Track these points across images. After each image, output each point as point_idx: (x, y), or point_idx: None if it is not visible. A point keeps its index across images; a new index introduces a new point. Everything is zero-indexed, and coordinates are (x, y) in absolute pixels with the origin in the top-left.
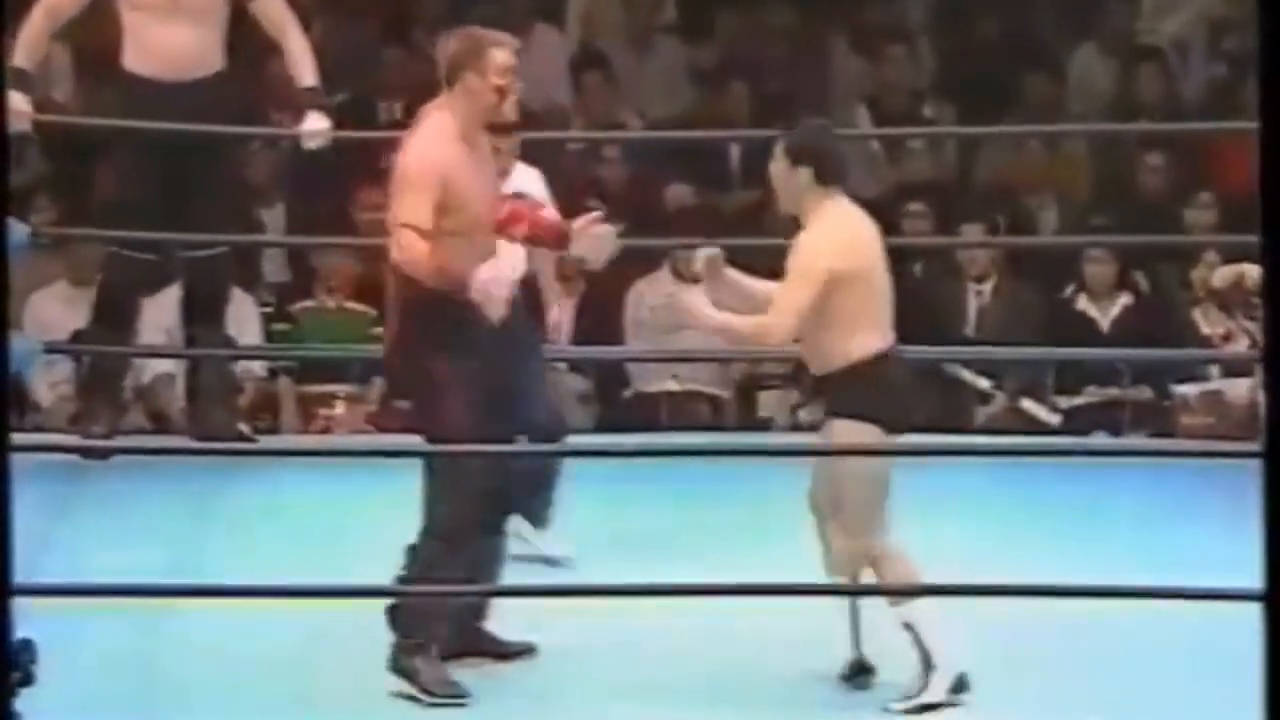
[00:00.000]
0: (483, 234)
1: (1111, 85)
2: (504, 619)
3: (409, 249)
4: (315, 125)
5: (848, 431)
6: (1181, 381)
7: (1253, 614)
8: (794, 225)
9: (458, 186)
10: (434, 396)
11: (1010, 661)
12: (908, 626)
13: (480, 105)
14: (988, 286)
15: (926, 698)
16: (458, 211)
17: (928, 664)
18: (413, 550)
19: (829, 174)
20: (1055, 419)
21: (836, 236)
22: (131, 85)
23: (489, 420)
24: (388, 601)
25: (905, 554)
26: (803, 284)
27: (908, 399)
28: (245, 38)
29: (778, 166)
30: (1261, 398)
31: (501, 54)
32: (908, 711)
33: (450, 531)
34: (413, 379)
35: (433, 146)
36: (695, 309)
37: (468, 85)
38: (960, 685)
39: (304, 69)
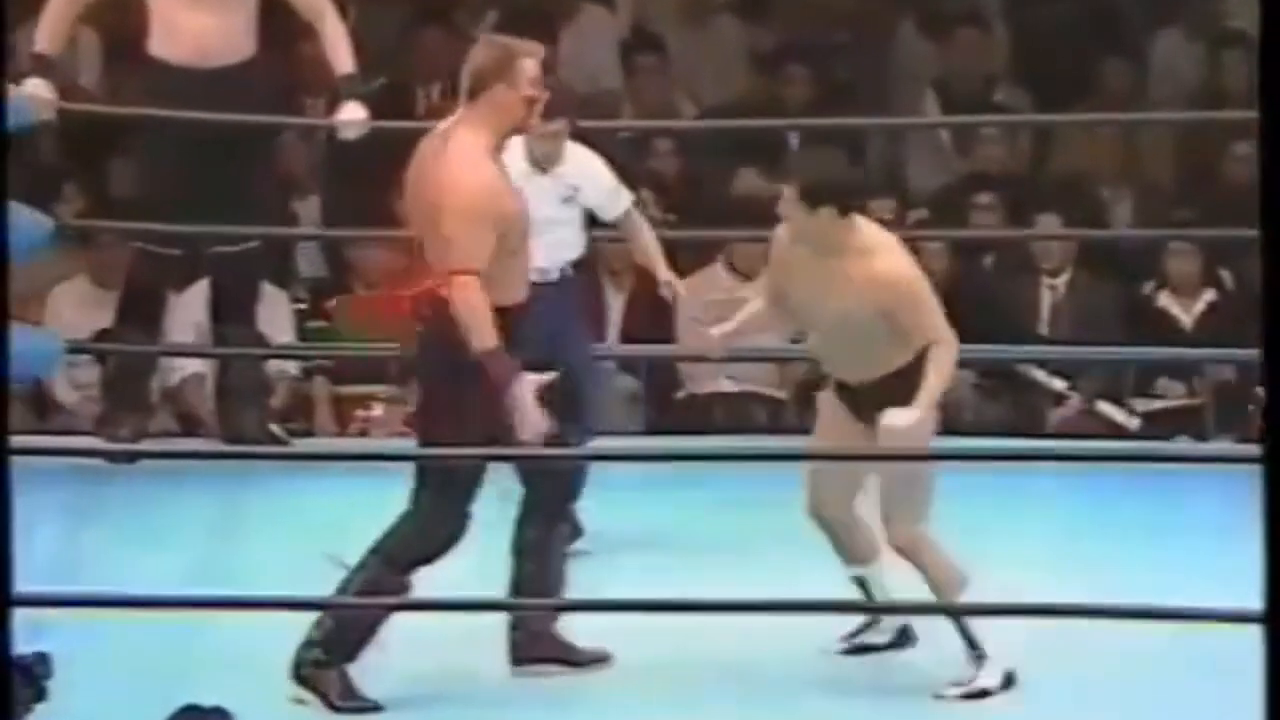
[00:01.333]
0: (525, 245)
1: (1196, 71)
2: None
3: (472, 305)
4: (352, 114)
5: (905, 417)
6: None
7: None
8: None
9: (505, 207)
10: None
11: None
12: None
13: (510, 118)
14: (1062, 281)
15: (982, 683)
16: (508, 233)
17: (977, 654)
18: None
19: (853, 206)
20: (1134, 422)
21: (901, 252)
22: (158, 72)
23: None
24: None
25: (942, 544)
26: (928, 302)
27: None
28: (278, 22)
29: (793, 209)
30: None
31: (531, 64)
32: (965, 696)
33: (408, 561)
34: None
35: (476, 171)
36: (896, 422)
37: (497, 98)
38: (1010, 680)
39: (340, 55)
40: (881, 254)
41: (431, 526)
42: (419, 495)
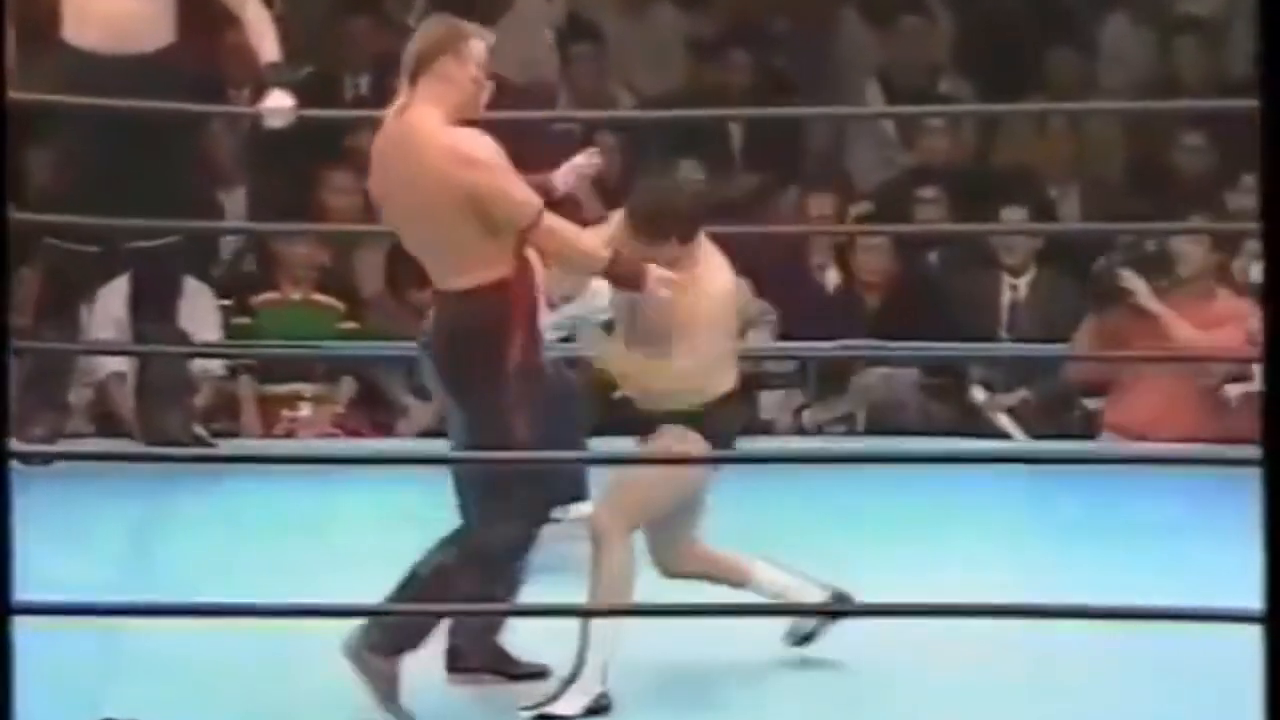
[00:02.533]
0: None
1: (1146, 59)
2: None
3: (564, 239)
4: (278, 103)
5: (681, 442)
6: (1229, 381)
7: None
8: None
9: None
10: (496, 416)
11: (1006, 678)
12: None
13: (459, 95)
14: (1024, 281)
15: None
16: None
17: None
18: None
19: (694, 232)
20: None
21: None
22: (71, 58)
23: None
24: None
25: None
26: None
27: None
28: (199, 7)
29: (629, 240)
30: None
31: (479, 46)
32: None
33: (488, 556)
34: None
35: (465, 135)
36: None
37: (445, 71)
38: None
39: (265, 42)
40: (714, 274)
41: (506, 512)
42: (476, 498)
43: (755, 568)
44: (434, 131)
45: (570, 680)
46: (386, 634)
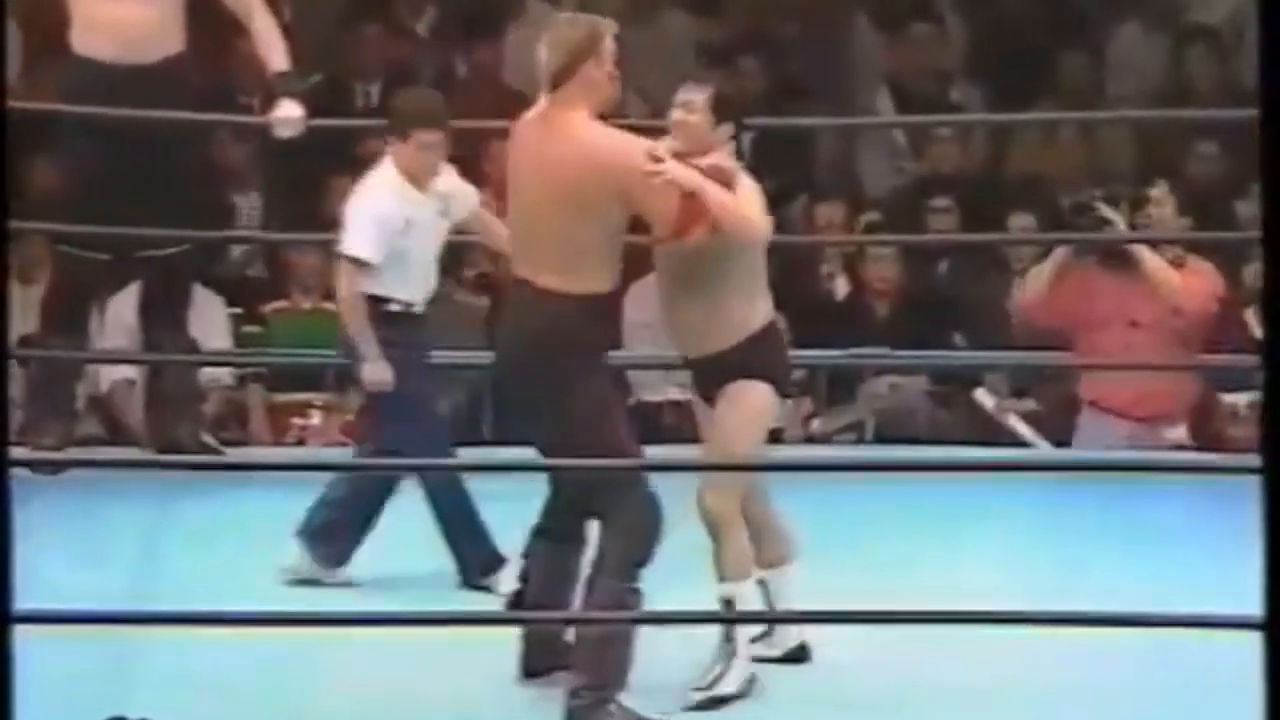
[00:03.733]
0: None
1: (1158, 67)
2: None
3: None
4: (288, 112)
5: (753, 391)
6: (1231, 389)
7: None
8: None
9: None
10: (598, 418)
11: (1011, 683)
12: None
13: (599, 96)
14: None
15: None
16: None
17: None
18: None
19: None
20: (1028, 433)
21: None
22: (80, 68)
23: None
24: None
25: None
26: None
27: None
28: (208, 16)
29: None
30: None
31: (612, 42)
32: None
33: (634, 570)
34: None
35: (620, 137)
36: None
37: (588, 76)
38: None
39: (274, 51)
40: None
41: (634, 522)
42: (602, 500)
43: (788, 569)
44: (598, 137)
45: (729, 658)
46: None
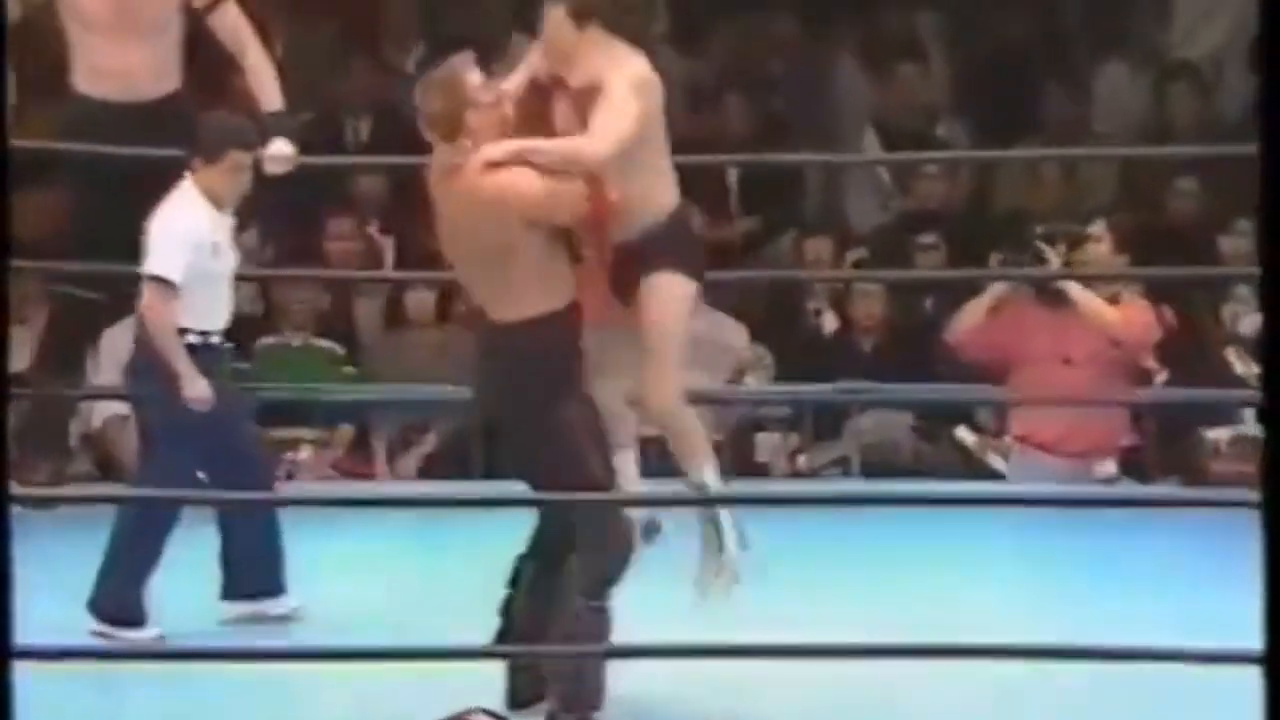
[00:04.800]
0: None
1: (1141, 104)
2: None
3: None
4: (280, 150)
5: (670, 284)
6: (1213, 425)
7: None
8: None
9: None
10: (564, 443)
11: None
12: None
13: (487, 138)
14: None
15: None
16: None
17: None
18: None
19: None
20: (997, 461)
21: None
22: (83, 107)
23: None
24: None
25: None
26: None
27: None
28: (203, 55)
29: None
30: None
31: (479, 76)
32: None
33: (604, 588)
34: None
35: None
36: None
37: (473, 124)
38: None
39: (267, 90)
40: None
41: (605, 540)
42: (570, 521)
43: (708, 466)
44: (480, 180)
45: (721, 552)
46: (574, 702)
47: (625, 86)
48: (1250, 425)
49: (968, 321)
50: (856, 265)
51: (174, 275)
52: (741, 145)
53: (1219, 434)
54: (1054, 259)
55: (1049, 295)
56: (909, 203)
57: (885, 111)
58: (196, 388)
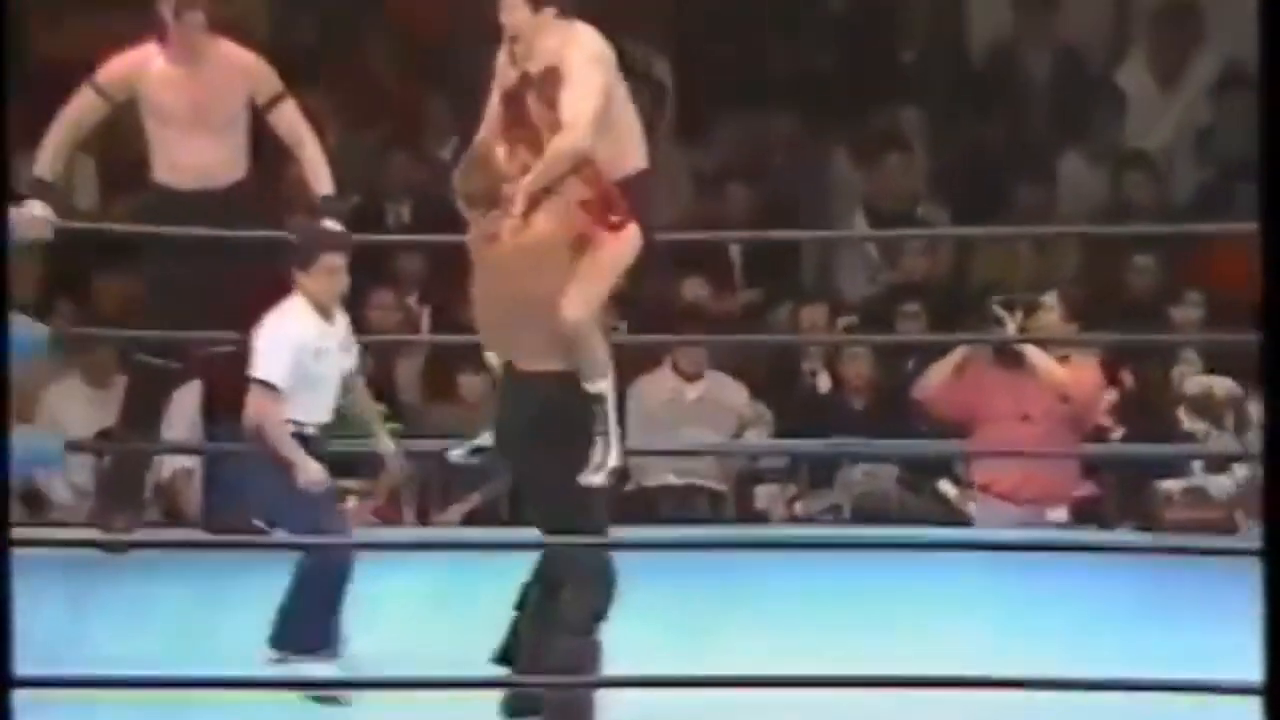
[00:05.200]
0: None
1: (1101, 189)
2: None
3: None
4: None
5: (627, 231)
6: (1165, 476)
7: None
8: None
9: None
10: (576, 489)
11: None
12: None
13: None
14: None
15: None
16: None
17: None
18: (516, 647)
19: None
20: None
21: None
22: (161, 195)
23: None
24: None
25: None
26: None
27: None
28: (264, 145)
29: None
30: (1242, 493)
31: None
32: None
33: (593, 622)
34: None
35: None
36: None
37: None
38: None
39: (320, 177)
40: None
41: (594, 575)
42: (561, 554)
43: (603, 380)
44: (516, 250)
45: (606, 448)
46: None
47: (583, 61)
48: (1200, 477)
49: (935, 380)
50: (847, 331)
51: (275, 379)
52: (744, 226)
53: (1172, 485)
54: (1010, 324)
55: (1008, 357)
56: (894, 276)
57: (873, 196)
58: (310, 473)
